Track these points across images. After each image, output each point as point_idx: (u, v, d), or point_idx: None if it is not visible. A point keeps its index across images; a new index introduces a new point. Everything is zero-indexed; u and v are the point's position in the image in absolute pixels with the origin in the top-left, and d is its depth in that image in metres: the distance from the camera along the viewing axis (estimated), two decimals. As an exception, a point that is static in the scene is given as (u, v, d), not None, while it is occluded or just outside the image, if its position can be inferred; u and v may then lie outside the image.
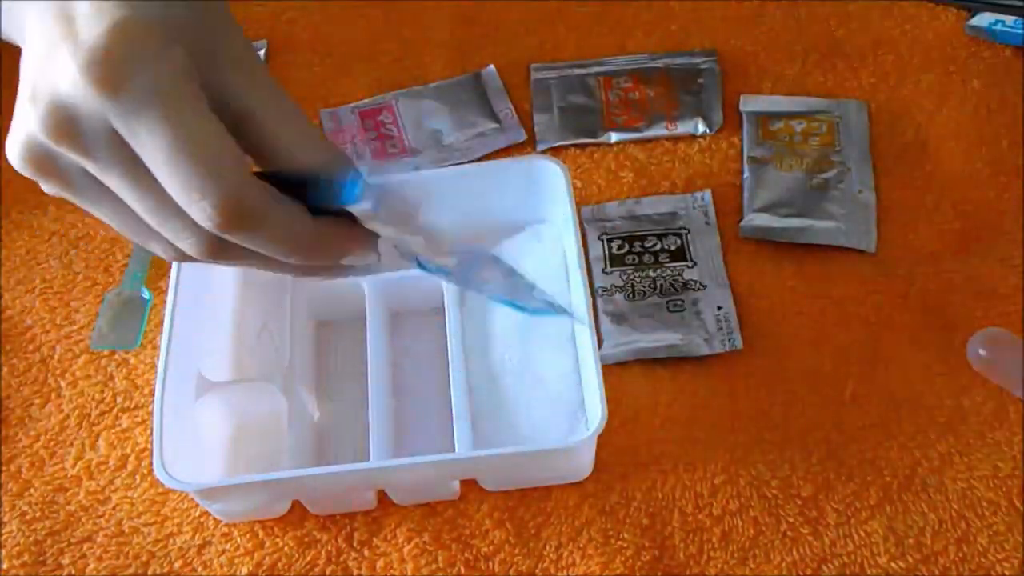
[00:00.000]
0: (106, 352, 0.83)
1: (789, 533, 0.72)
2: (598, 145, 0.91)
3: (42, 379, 0.82)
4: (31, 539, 0.75)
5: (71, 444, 0.79)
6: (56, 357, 0.83)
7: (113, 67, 0.53)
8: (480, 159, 0.91)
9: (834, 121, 0.90)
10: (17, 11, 0.59)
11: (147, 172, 0.54)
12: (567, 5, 1.00)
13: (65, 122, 0.54)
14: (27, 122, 0.56)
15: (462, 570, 0.72)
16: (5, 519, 0.76)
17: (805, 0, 0.98)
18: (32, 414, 0.81)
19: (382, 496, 0.75)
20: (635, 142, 0.91)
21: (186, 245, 0.57)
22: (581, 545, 0.72)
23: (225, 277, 0.82)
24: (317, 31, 1.00)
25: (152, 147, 0.54)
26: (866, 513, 0.72)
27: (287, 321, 0.79)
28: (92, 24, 0.54)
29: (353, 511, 0.75)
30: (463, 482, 0.75)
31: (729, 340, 0.79)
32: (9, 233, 0.89)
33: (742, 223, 0.85)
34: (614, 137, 0.91)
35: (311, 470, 0.73)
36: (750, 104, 0.92)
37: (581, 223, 0.84)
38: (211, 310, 0.80)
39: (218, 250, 0.57)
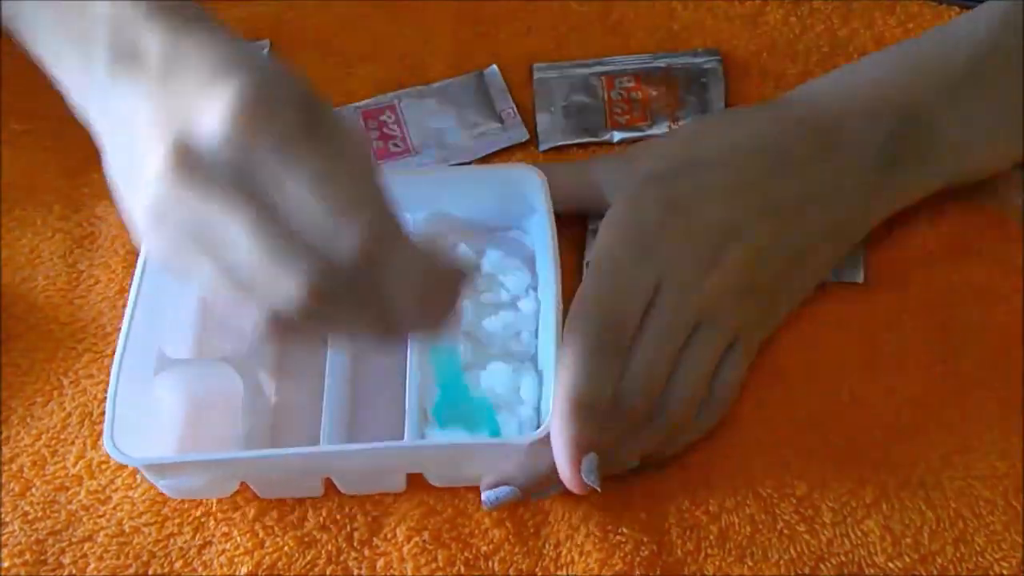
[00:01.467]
0: (108, 351, 0.83)
1: (786, 531, 0.72)
2: (601, 144, 0.91)
3: (44, 377, 0.82)
4: (32, 538, 0.75)
5: (72, 443, 0.79)
6: (59, 355, 0.83)
7: (260, 108, 0.58)
8: (483, 159, 0.91)
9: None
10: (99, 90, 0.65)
11: (274, 211, 0.58)
12: (569, 5, 1.00)
13: (193, 160, 0.58)
14: (149, 169, 0.59)
15: (462, 569, 0.72)
16: (7, 519, 0.76)
17: (807, -1, 0.98)
18: (34, 413, 0.81)
19: (342, 490, 0.76)
20: (638, 141, 0.90)
21: (300, 288, 0.58)
22: (579, 542, 0.72)
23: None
24: (319, 31, 1.00)
25: (299, 178, 0.57)
26: (862, 512, 0.72)
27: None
28: (226, 78, 0.59)
29: (300, 497, 0.76)
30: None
31: (725, 338, 0.79)
32: (12, 231, 0.89)
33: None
34: (617, 136, 0.91)
35: (250, 452, 0.74)
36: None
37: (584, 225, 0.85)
38: (178, 287, 0.81)
39: (332, 295, 0.59)
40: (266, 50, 0.98)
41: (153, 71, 0.62)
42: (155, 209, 0.60)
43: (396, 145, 0.92)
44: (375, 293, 0.60)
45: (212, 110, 0.58)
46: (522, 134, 0.92)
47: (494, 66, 0.96)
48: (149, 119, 0.60)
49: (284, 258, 0.58)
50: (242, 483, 0.76)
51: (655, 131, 0.91)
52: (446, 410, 0.75)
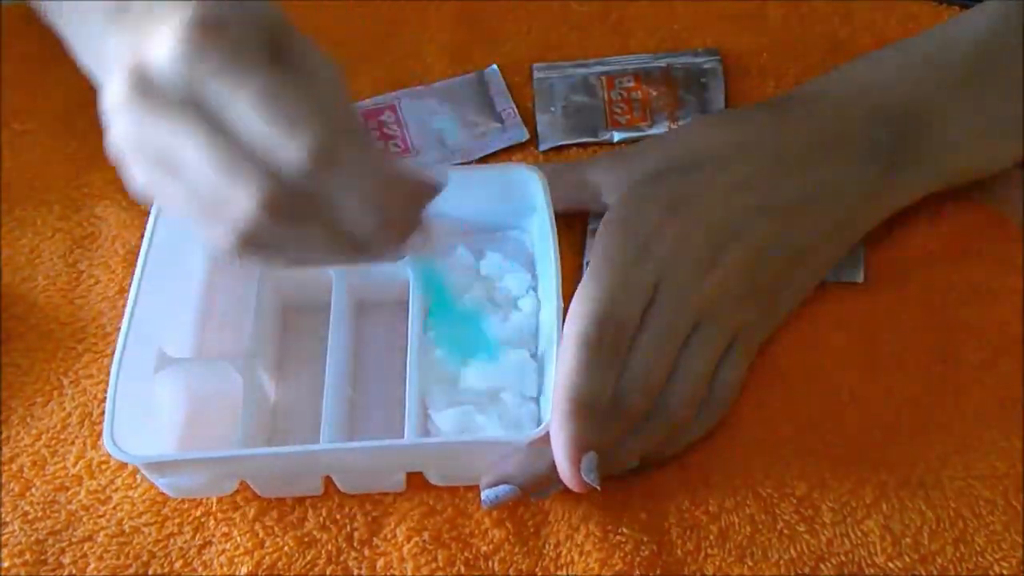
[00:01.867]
0: (108, 351, 0.83)
1: (786, 531, 0.72)
2: (600, 144, 0.91)
3: (44, 377, 0.82)
4: (32, 538, 0.75)
5: (72, 443, 0.79)
6: (59, 355, 0.83)
7: (208, 30, 0.59)
8: (482, 159, 0.91)
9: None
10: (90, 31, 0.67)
11: (224, 129, 0.59)
12: (569, 5, 1.00)
13: (147, 81, 0.59)
14: (111, 98, 0.61)
15: (462, 569, 0.72)
16: (7, 519, 0.76)
17: (807, -1, 0.98)
18: (34, 413, 0.81)
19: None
20: (638, 141, 0.90)
21: (254, 200, 0.59)
22: (579, 542, 0.72)
23: (195, 255, 0.84)
24: (319, 31, 0.97)
25: (245, 93, 0.58)
26: (862, 512, 0.72)
27: (253, 304, 0.80)
28: (182, 6, 0.60)
29: (300, 496, 0.76)
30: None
31: (725, 340, 0.79)
32: (12, 231, 0.89)
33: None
34: (617, 136, 0.91)
35: (250, 450, 0.74)
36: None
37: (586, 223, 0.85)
38: (179, 286, 0.82)
39: (288, 206, 0.60)
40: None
41: (135, 14, 0.63)
42: (120, 136, 0.62)
43: (396, 145, 0.92)
44: (327, 207, 0.61)
45: (164, 33, 0.59)
46: (522, 134, 0.92)
47: (494, 66, 0.96)
48: (118, 52, 0.62)
49: (235, 173, 0.59)
50: (242, 482, 0.76)
51: (655, 131, 0.91)
52: (438, 323, 0.76)
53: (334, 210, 0.61)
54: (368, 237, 0.63)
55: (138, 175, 0.63)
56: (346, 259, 0.65)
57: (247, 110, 0.58)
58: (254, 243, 0.62)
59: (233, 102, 0.59)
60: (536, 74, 0.95)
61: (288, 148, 0.58)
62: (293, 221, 0.61)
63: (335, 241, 0.63)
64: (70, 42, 0.72)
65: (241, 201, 0.59)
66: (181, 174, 0.61)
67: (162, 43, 0.59)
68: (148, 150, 0.61)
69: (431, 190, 0.65)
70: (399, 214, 0.63)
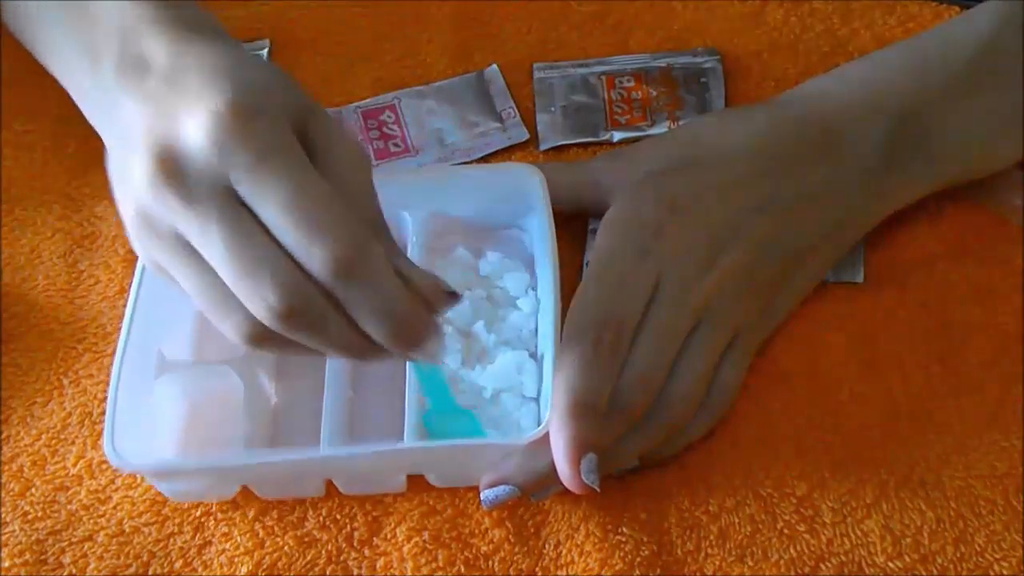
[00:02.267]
0: (108, 351, 0.83)
1: (786, 531, 0.72)
2: (601, 144, 0.91)
3: (45, 377, 0.82)
4: (32, 538, 0.75)
5: (72, 443, 0.79)
6: (59, 356, 0.83)
7: (242, 122, 0.59)
8: (483, 159, 0.91)
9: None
10: (109, 94, 0.66)
11: (252, 224, 0.59)
12: (569, 5, 0.99)
13: (176, 166, 0.59)
14: (135, 175, 0.61)
15: (462, 569, 0.72)
16: (7, 519, 0.76)
17: (808, -1, 0.98)
18: (34, 413, 0.81)
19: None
20: (638, 141, 0.90)
21: (274, 304, 0.60)
22: (579, 542, 0.72)
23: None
24: (319, 30, 1.00)
25: (276, 193, 0.59)
26: (862, 512, 0.72)
27: None
28: (214, 90, 0.60)
29: (302, 498, 0.76)
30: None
31: (724, 340, 0.79)
32: (12, 231, 0.89)
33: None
34: (617, 136, 0.91)
35: (251, 457, 0.74)
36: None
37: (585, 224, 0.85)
38: (177, 290, 0.81)
39: (305, 312, 0.60)
40: (266, 50, 0.98)
41: (157, 79, 0.63)
42: (139, 215, 0.62)
43: (396, 145, 0.92)
44: (343, 312, 0.62)
45: (196, 121, 0.59)
46: (522, 134, 0.92)
47: (494, 66, 0.96)
48: (142, 126, 0.61)
49: (258, 273, 0.59)
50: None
51: (655, 131, 0.91)
52: (436, 419, 0.75)
53: (348, 316, 0.62)
54: (381, 342, 0.64)
55: (150, 253, 0.64)
56: (357, 359, 0.66)
57: (277, 211, 0.59)
58: (264, 340, 0.63)
59: (263, 201, 0.59)
60: (536, 74, 0.95)
61: (313, 256, 0.59)
62: (307, 326, 0.61)
63: (347, 344, 0.63)
64: (63, 81, 0.72)
65: (257, 302, 0.60)
66: (199, 262, 0.61)
67: (194, 129, 0.59)
68: (166, 233, 0.61)
69: (447, 299, 0.66)
70: (414, 322, 0.64)
